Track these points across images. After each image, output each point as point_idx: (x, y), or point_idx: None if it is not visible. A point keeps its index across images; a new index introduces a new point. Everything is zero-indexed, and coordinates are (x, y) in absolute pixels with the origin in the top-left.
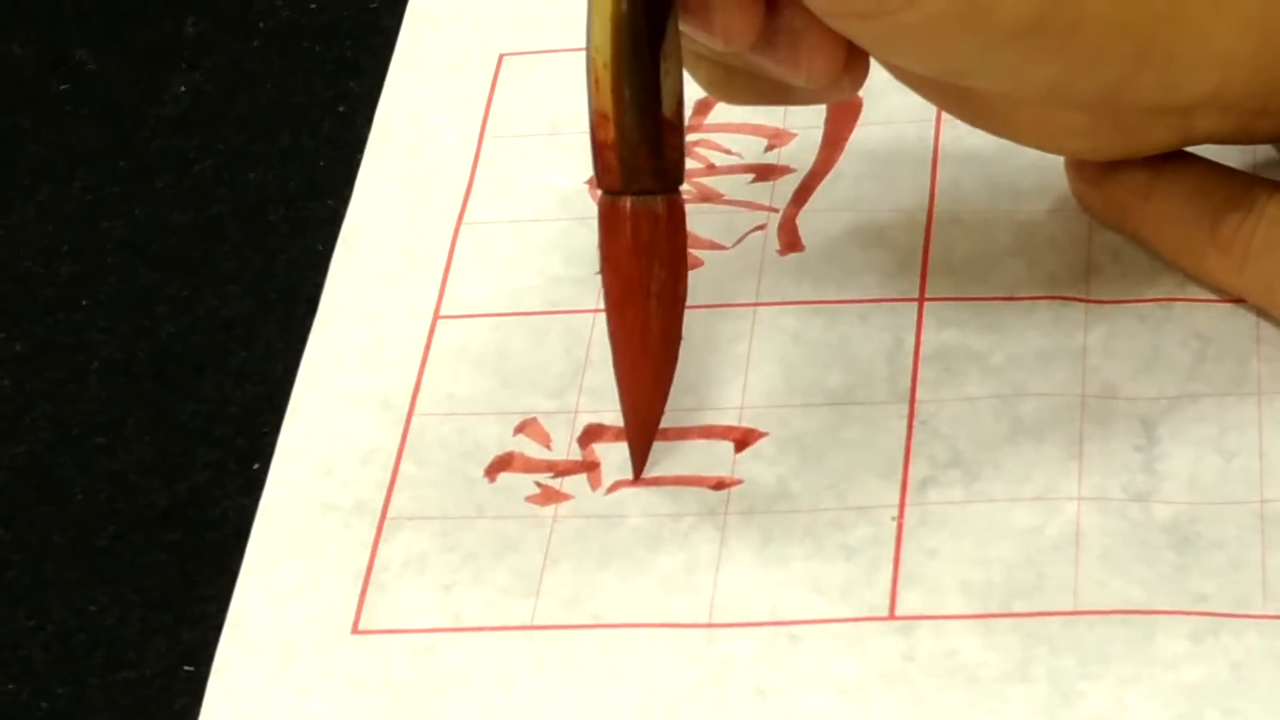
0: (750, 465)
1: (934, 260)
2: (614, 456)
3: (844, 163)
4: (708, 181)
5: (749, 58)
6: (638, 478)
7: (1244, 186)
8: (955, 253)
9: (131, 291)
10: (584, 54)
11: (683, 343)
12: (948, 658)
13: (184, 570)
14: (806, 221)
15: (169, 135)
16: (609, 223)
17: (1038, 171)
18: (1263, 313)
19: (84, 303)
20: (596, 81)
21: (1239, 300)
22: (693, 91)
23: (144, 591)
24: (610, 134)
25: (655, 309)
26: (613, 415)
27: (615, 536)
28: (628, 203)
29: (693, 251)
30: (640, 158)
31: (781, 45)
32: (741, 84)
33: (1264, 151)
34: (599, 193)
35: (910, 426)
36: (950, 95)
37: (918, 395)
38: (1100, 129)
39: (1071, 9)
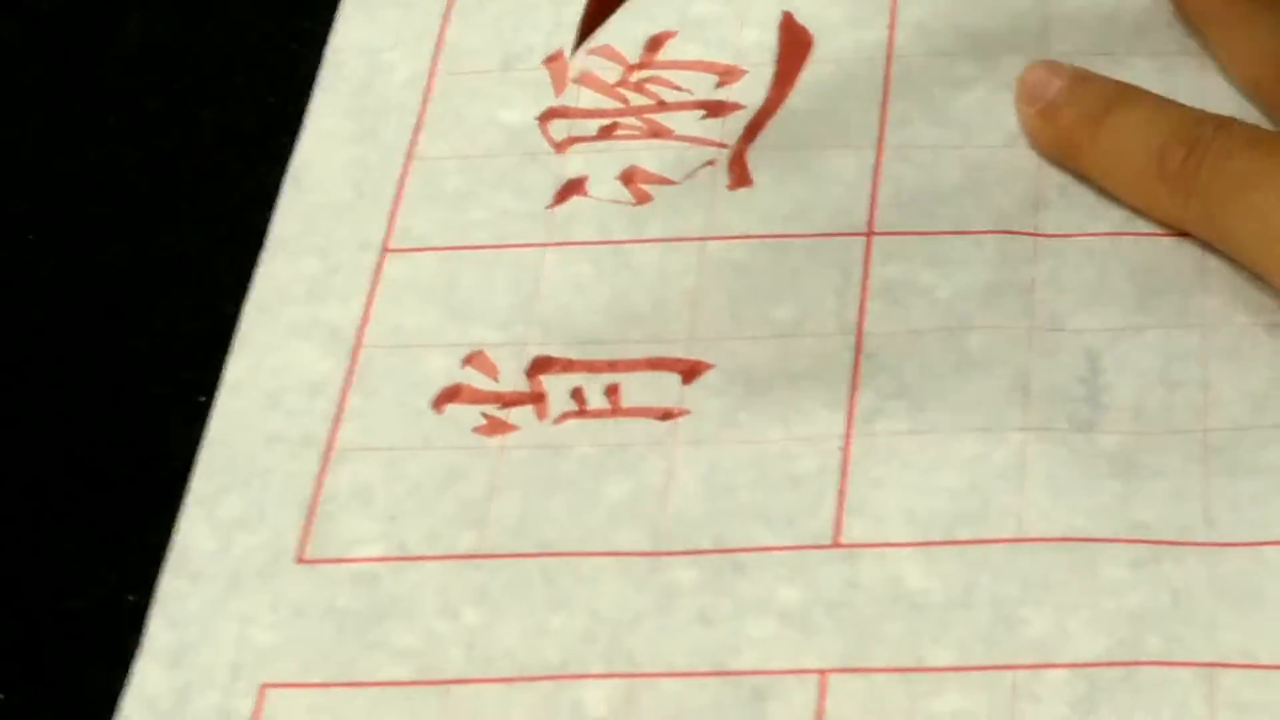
0: (697, 396)
1: (882, 195)
2: (561, 388)
3: (794, 99)
4: (658, 117)
5: None
6: (576, 48)
7: (1191, 121)
8: (904, 188)
9: (82, 228)
10: None
11: (631, 275)
12: (891, 585)
13: (129, 502)
14: (756, 157)
15: (121, 74)
16: None
17: (986, 109)
18: (1208, 246)
19: (32, 238)
20: None
21: (1185, 234)
22: (645, 28)
23: (88, 523)
24: None
25: None
26: (560, 347)
27: (562, 466)
28: None
29: (642, 186)
30: None
31: None
32: None
33: (1212, 89)
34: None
35: (857, 358)
36: None
37: (865, 328)
38: None
39: None
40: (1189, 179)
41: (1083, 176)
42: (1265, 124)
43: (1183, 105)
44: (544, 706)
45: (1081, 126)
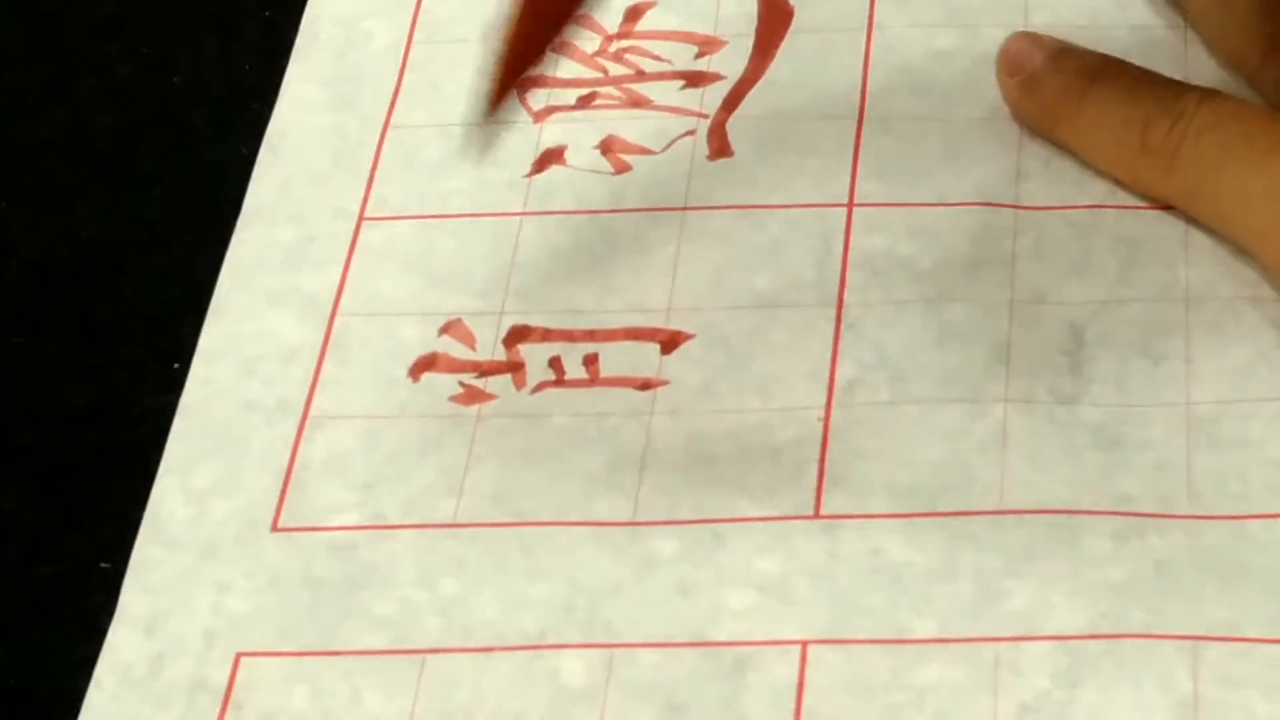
0: (677, 366)
1: (863, 166)
2: (539, 357)
3: (775, 70)
4: (637, 87)
5: None
6: (490, 114)
7: (1174, 93)
8: (885, 159)
9: (51, 192)
10: None
11: (612, 245)
12: (872, 556)
13: (103, 469)
14: (736, 127)
15: (93, 38)
16: None
17: (968, 80)
18: (1192, 219)
19: (4, 203)
20: None
21: (1168, 207)
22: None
23: (61, 490)
24: None
25: None
26: (539, 317)
27: (540, 435)
28: None
29: (621, 156)
30: None
31: None
32: None
33: (1194, 61)
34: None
35: (838, 329)
36: None
37: (846, 299)
38: None
39: None
40: (1172, 152)
41: (1065, 149)
42: (1249, 96)
43: (1166, 78)
44: (521, 676)
45: (1063, 99)
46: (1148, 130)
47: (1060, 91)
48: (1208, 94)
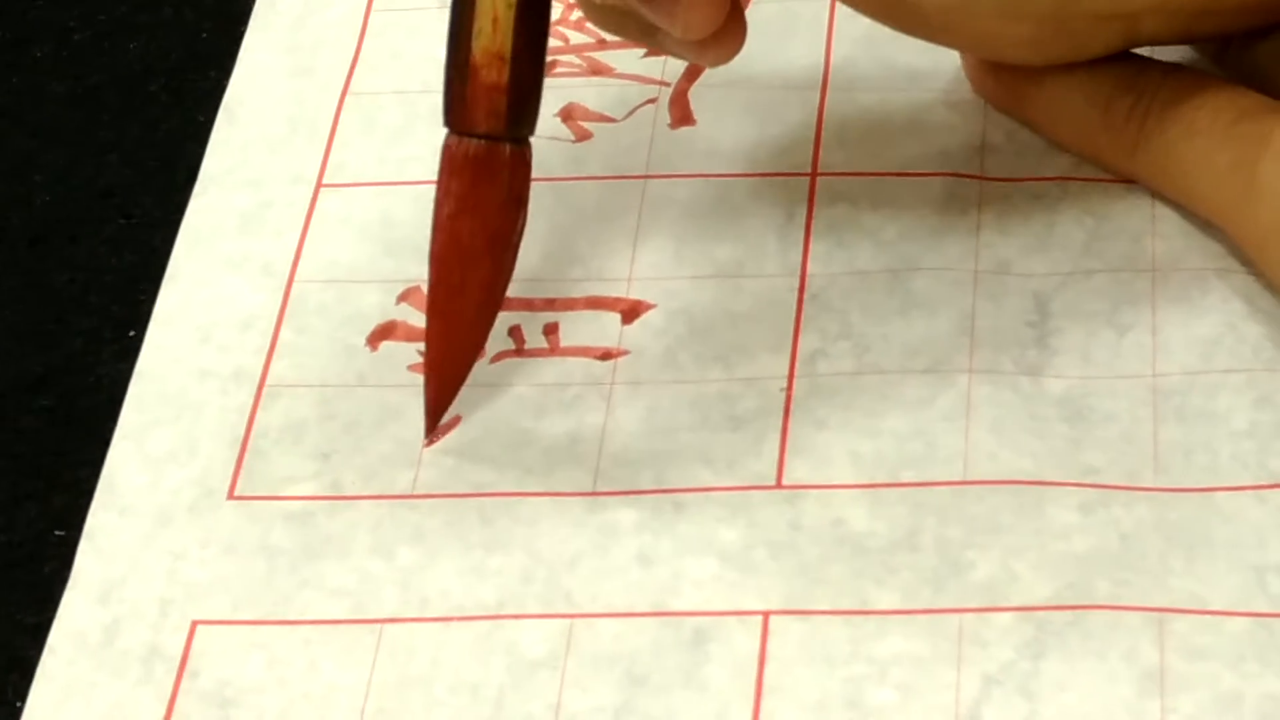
0: (638, 336)
1: (827, 136)
2: (498, 326)
3: None
4: (599, 55)
5: None
6: (430, 439)
7: (1136, 69)
8: (849, 129)
9: (7, 159)
10: None
11: (572, 213)
12: (835, 527)
13: (57, 437)
14: (699, 96)
15: (48, 4)
16: (484, 171)
17: (933, 51)
18: (1157, 193)
19: None
20: (495, 22)
21: (1135, 180)
22: None
23: (15, 458)
24: (505, 76)
25: (509, 259)
26: None
27: (499, 406)
28: (507, 149)
29: (582, 123)
30: (531, 101)
31: None
32: (612, 16)
33: None
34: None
35: (800, 299)
36: (886, 6)
37: (809, 269)
38: (1045, 38)
39: None
40: (1135, 129)
41: (1028, 126)
42: (1212, 71)
43: (1128, 53)
44: (479, 647)
45: (1024, 76)
46: (1110, 107)
47: (1021, 71)
48: (1170, 69)
